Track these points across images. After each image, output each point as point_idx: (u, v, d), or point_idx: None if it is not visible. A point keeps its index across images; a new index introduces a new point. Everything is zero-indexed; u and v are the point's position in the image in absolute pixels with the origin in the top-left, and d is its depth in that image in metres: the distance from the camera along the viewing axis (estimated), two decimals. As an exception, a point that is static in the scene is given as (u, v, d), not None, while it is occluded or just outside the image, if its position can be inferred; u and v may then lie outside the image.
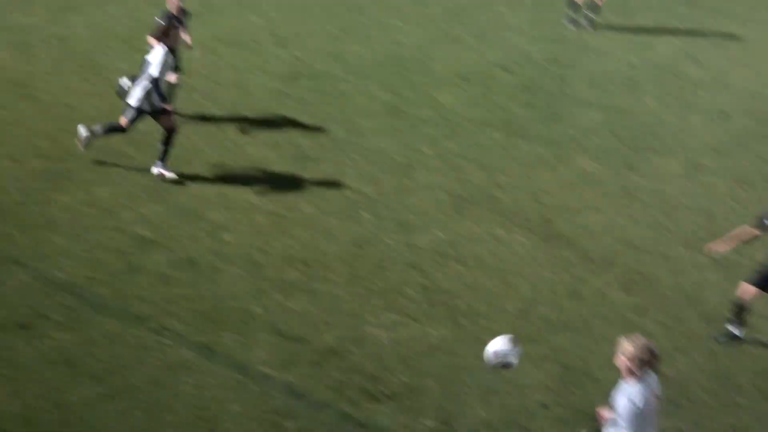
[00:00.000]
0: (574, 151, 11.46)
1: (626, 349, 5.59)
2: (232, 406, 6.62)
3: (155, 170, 9.82)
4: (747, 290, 7.47)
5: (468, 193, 10.31)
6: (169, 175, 9.79)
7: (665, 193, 10.73)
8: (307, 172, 10.29)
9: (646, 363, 5.56)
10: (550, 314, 8.39)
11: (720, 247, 8.13)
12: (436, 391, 7.06)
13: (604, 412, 5.83)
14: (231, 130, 10.96)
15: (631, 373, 5.59)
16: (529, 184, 10.60)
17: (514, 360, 6.02)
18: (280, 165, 10.39)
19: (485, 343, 6.13)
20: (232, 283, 8.23)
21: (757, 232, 7.83)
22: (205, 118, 11.14)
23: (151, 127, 9.95)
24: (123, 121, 9.78)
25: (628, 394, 5.58)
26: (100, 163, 9.94)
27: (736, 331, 7.72)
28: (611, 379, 7.41)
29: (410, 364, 7.37)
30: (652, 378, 5.66)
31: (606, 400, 7.10)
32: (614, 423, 5.63)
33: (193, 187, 9.88)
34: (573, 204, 10.31)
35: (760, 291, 7.41)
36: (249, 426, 6.42)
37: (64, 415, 6.34)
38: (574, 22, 15.71)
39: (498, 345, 6.03)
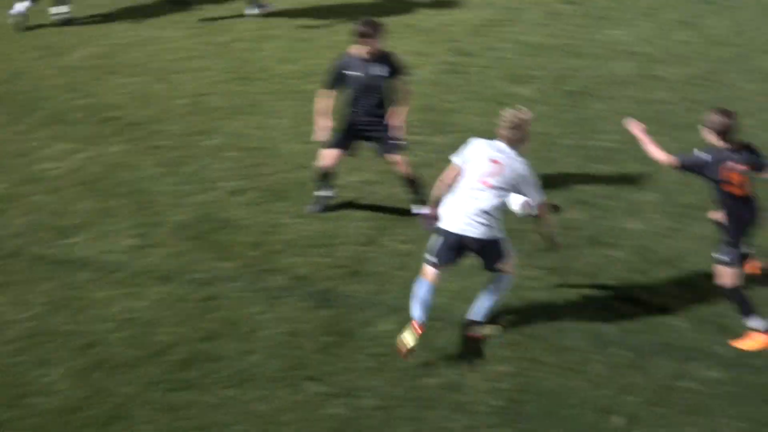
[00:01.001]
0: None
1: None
2: None
3: None
4: (327, 155, 7.12)
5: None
6: None
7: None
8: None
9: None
10: (219, 102, 8.40)
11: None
12: (126, 208, 6.98)
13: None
14: None
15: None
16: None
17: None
18: None
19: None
20: None
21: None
22: None
23: None
24: None
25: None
26: None
27: (325, 193, 7.31)
28: (296, 152, 7.62)
29: (96, 188, 7.23)
30: None
31: (288, 177, 7.31)
32: None
33: None
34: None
35: (340, 151, 7.06)
36: None
37: None
38: None
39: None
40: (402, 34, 9.02)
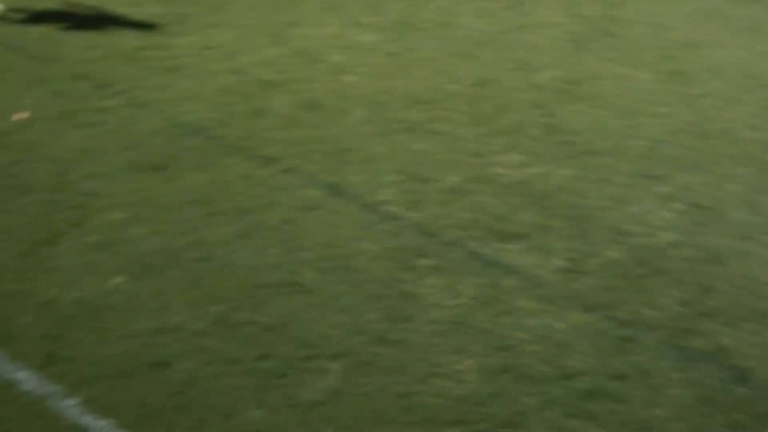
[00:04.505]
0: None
1: None
2: (363, 244, 6.74)
3: None
4: None
5: (587, 29, 10.13)
6: None
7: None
8: (422, 11, 10.21)
9: None
10: (676, 152, 8.31)
11: None
12: (564, 230, 7.09)
13: None
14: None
15: None
16: (650, 18, 10.36)
17: None
18: (395, 3, 10.31)
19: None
20: (356, 124, 8.30)
21: None
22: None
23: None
24: None
25: None
26: (218, 7, 9.98)
27: None
28: (742, 219, 7.40)
29: (537, 203, 7.39)
30: None
31: (737, 239, 7.11)
32: None
33: (311, 29, 9.90)
34: (697, 38, 10.06)
35: None
36: (381, 263, 6.55)
37: (204, 251, 6.54)
38: None
39: None
40: None
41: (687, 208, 7.53)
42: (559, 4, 10.78)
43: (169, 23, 10.06)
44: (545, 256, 6.76)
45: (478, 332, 5.93)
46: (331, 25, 10.09)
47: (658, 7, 10.93)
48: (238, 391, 5.37)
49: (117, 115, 8.31)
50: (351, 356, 5.66)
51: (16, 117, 8.22)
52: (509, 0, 10.77)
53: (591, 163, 8.00)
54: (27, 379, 5.39)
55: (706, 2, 10.79)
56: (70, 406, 5.22)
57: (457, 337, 5.86)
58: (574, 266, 6.68)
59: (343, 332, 5.85)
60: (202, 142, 7.88)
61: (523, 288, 6.40)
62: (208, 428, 5.11)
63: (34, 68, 9.23)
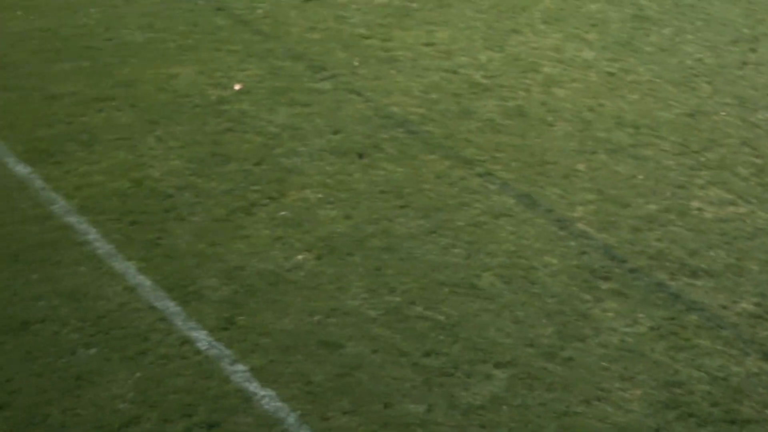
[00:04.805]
0: None
1: None
2: (547, 258, 6.69)
3: None
4: None
5: (817, 74, 9.73)
6: None
7: None
8: (646, 34, 10.03)
9: None
10: None
11: None
12: (758, 274, 6.84)
13: None
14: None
15: None
16: None
17: None
18: (619, 23, 10.17)
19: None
20: (560, 138, 8.23)
21: None
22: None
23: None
24: None
25: None
26: (444, 5, 10.07)
27: None
28: None
29: (733, 243, 7.15)
30: None
31: None
32: None
33: (531, 38, 9.87)
34: None
35: None
36: (562, 279, 6.48)
37: (390, 241, 6.63)
38: None
39: None
40: None
41: None
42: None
43: (393, 16, 10.22)
44: (734, 298, 6.54)
45: (651, 363, 5.79)
46: (551, 36, 10.03)
47: None
48: (401, 382, 5.42)
49: (327, 98, 8.51)
50: (518, 367, 5.63)
51: (237, 87, 8.53)
52: (737, 35, 10.46)
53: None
54: (202, 339, 5.61)
55: None
56: (238, 372, 5.39)
57: (627, 364, 5.75)
58: (763, 312, 6.44)
59: (513, 342, 5.83)
60: (404, 135, 7.98)
61: (704, 326, 6.21)
62: (366, 414, 5.19)
63: (257, 43, 9.55)
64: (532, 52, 9.64)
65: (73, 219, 6.61)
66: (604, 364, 5.74)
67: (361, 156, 7.59)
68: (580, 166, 7.87)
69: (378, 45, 9.58)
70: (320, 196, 7.08)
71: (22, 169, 7.16)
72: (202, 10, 10.28)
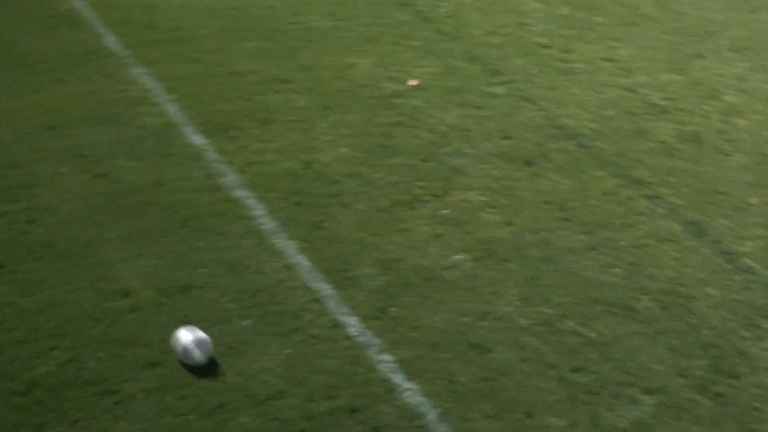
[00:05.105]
0: None
1: None
2: (709, 289, 6.51)
3: None
4: None
5: None
6: None
7: None
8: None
9: None
10: None
11: None
12: None
13: None
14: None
15: None
16: None
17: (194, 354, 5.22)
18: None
19: None
20: (735, 169, 8.00)
21: None
22: None
23: None
24: None
25: None
26: (628, 23, 9.92)
27: None
28: None
29: None
30: None
31: None
32: None
33: (715, 65, 9.64)
34: None
35: None
36: (722, 313, 6.30)
37: (549, 252, 6.57)
38: None
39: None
40: None
41: None
42: None
43: (575, 28, 10.13)
44: None
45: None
46: (737, 65, 9.76)
47: None
48: (546, 394, 5.37)
49: (500, 102, 8.48)
50: (667, 395, 5.50)
51: (411, 82, 8.59)
52: None
53: None
54: (353, 325, 5.66)
55: None
56: (385, 362, 5.43)
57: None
58: None
59: (665, 369, 5.69)
60: (574, 148, 7.89)
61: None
62: (507, 420, 5.16)
63: (437, 41, 9.59)
64: (715, 79, 9.40)
65: (241, 193, 6.78)
66: (756, 404, 5.55)
67: (528, 164, 7.55)
68: (753, 200, 7.63)
69: (557, 55, 9.50)
70: (483, 199, 7.07)
71: (198, 140, 7.38)
72: (387, 4, 10.39)
